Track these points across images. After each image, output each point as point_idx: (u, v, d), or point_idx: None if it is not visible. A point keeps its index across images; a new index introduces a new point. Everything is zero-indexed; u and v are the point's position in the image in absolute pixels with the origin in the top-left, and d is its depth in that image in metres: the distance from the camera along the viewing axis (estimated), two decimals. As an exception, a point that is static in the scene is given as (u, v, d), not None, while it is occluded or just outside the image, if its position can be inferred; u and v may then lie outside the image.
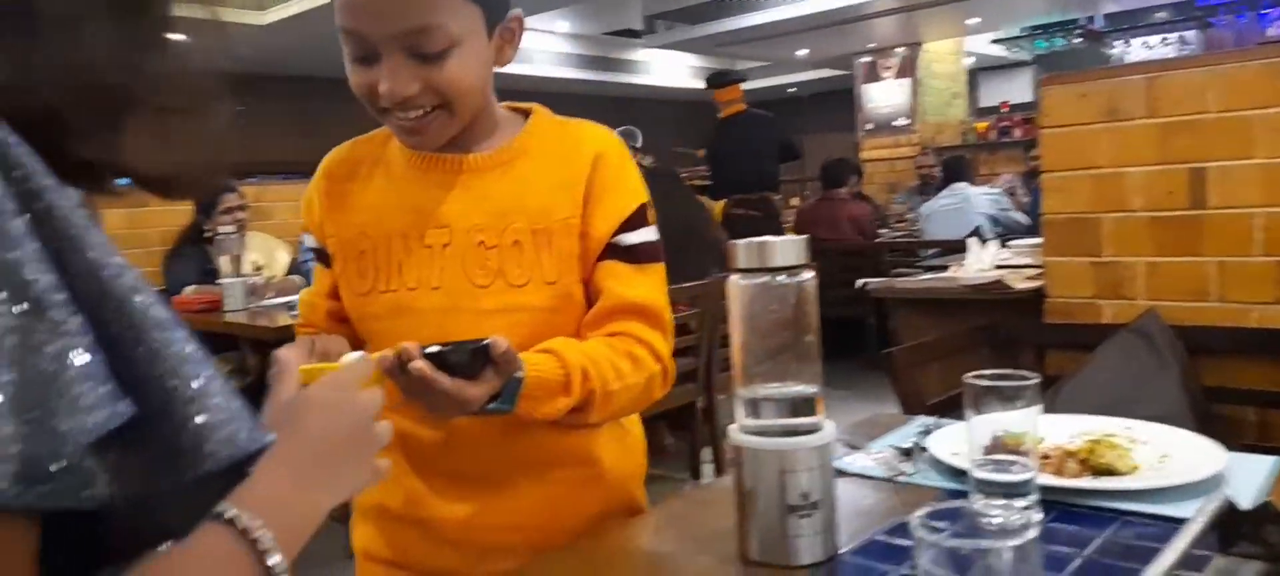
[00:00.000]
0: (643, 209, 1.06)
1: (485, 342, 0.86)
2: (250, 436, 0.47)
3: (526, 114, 1.08)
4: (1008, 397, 0.91)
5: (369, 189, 1.06)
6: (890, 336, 4.47)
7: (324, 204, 1.08)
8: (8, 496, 0.37)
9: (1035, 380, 0.92)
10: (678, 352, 3.60)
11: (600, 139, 1.06)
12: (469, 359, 0.86)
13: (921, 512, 0.56)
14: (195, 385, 0.44)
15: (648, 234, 1.06)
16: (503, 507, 1.03)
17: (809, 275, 0.86)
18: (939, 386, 2.01)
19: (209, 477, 0.45)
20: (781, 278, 0.84)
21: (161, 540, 0.48)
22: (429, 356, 0.84)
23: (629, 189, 1.06)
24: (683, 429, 3.82)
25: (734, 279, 0.86)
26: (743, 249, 0.85)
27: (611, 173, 1.04)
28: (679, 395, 3.49)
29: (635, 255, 1.04)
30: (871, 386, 3.61)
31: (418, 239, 1.02)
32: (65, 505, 0.40)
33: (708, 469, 3.72)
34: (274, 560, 0.50)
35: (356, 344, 1.06)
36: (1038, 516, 0.92)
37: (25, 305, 0.39)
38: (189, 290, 3.55)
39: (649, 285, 1.05)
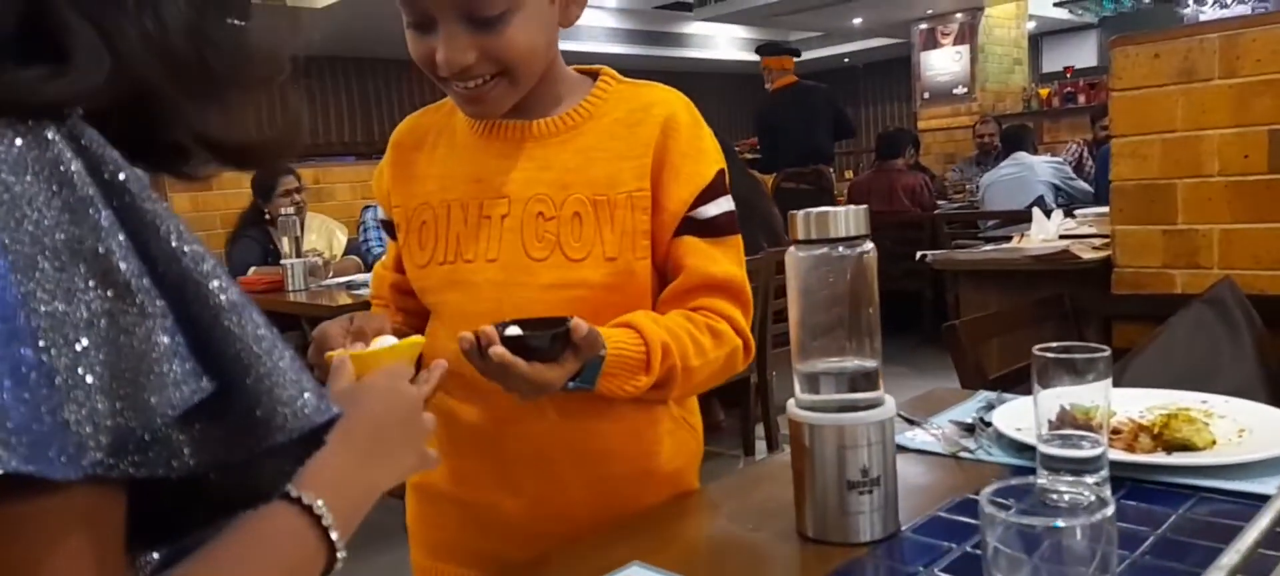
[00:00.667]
0: (720, 177, 1.00)
1: (566, 325, 0.84)
2: (319, 409, 0.49)
3: (594, 77, 1.04)
4: (1078, 371, 0.88)
5: (434, 159, 1.04)
6: (948, 310, 4.41)
7: (391, 174, 1.07)
8: (104, 465, 0.40)
9: (1106, 353, 0.89)
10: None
11: (670, 102, 1.00)
12: (549, 343, 0.84)
13: (990, 489, 0.54)
14: (268, 362, 0.47)
15: (725, 204, 1.00)
16: (553, 497, 1.00)
17: (869, 246, 0.84)
18: (1000, 361, 1.96)
19: (283, 448, 0.48)
20: (841, 249, 0.82)
21: (241, 508, 0.51)
22: (509, 340, 0.83)
23: (705, 156, 0.99)
24: (736, 404, 3.81)
25: (792, 251, 0.84)
26: (801, 220, 0.83)
27: (684, 139, 0.98)
28: (732, 371, 3.46)
29: (714, 229, 0.99)
30: (927, 361, 3.55)
31: (478, 210, 0.99)
32: (155, 474, 0.43)
33: (760, 444, 3.70)
34: (335, 536, 0.53)
35: (417, 319, 1.07)
36: (1108, 493, 0.90)
37: (115, 291, 0.42)
38: (252, 271, 3.64)
39: (728, 259, 1.00)
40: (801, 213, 0.84)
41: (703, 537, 0.93)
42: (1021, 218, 4.59)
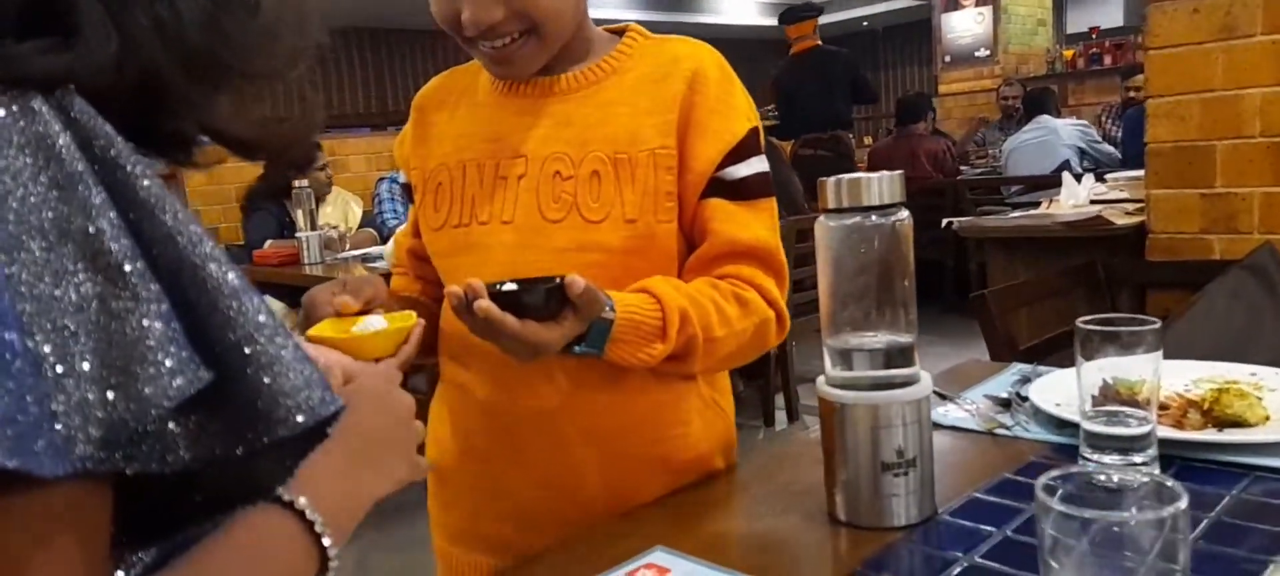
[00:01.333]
0: (752, 135, 0.94)
1: (559, 281, 0.79)
2: (323, 401, 0.47)
3: (622, 33, 0.99)
4: (1125, 344, 0.83)
5: (454, 119, 1.00)
6: (969, 279, 4.33)
7: (415, 136, 1.03)
8: (94, 460, 0.38)
9: (1156, 324, 0.84)
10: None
11: (698, 55, 0.95)
12: (543, 299, 0.78)
13: (1046, 478, 0.50)
14: (270, 351, 0.45)
15: (757, 165, 0.94)
16: (566, 479, 0.94)
17: (904, 214, 0.79)
18: (1029, 331, 1.90)
19: (285, 442, 0.45)
20: (874, 217, 0.78)
21: (238, 504, 0.49)
22: (500, 295, 0.78)
23: (735, 112, 0.93)
24: (755, 375, 3.77)
25: (822, 220, 0.80)
26: (832, 187, 0.78)
27: (712, 94, 0.92)
28: (752, 342, 3.42)
29: (744, 190, 0.93)
30: (951, 331, 3.49)
31: (494, 170, 0.94)
32: (149, 469, 0.41)
33: (780, 415, 3.67)
34: (328, 542, 0.50)
35: (436, 287, 1.02)
36: (1156, 473, 0.85)
37: (107, 274, 0.40)
38: (268, 244, 3.63)
39: (760, 223, 0.93)
40: (832, 180, 0.79)
41: (728, 521, 0.89)
42: (1046, 183, 4.49)
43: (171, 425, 0.42)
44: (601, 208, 0.90)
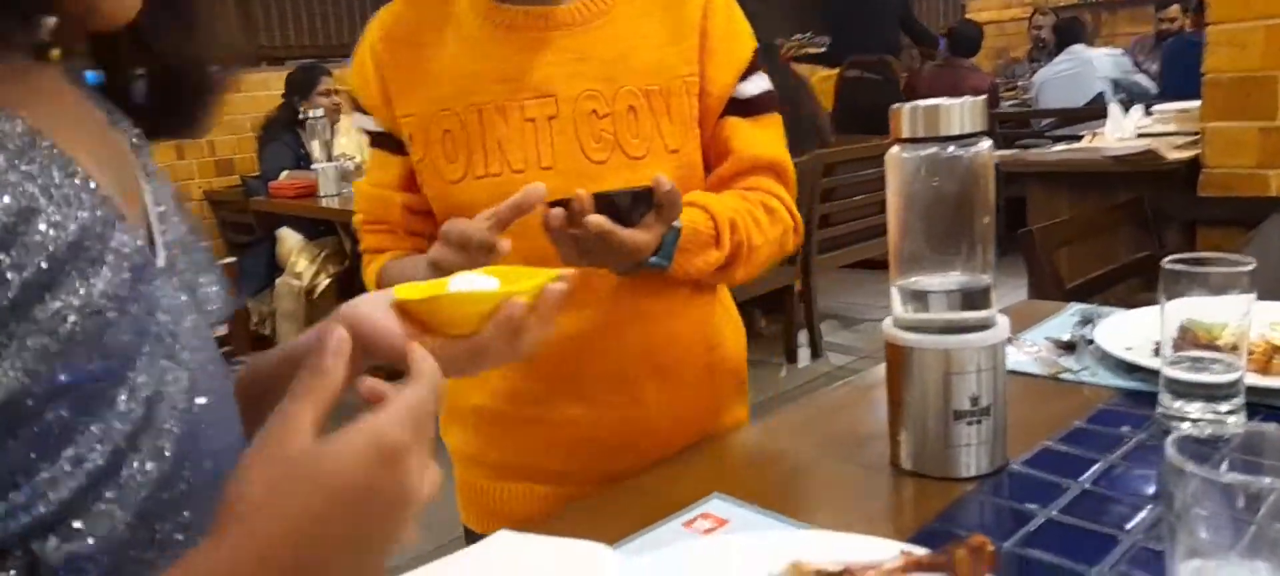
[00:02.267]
0: (757, 54, 0.98)
1: (648, 185, 0.79)
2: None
3: None
4: (1216, 285, 0.78)
5: (442, 53, 0.91)
6: (1001, 215, 4.23)
7: (390, 76, 0.92)
8: None
9: (1250, 264, 0.79)
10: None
11: None
12: (631, 203, 0.79)
13: (1176, 437, 0.45)
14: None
15: (763, 82, 0.98)
16: (622, 402, 0.94)
17: (985, 144, 0.72)
18: (1070, 268, 1.84)
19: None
20: (952, 148, 0.71)
21: None
22: (604, 198, 0.77)
23: (743, 33, 0.97)
24: (777, 311, 3.73)
25: (895, 151, 0.74)
26: (908, 114, 0.72)
27: (723, 17, 0.95)
28: (773, 278, 3.38)
29: (756, 107, 0.96)
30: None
31: (517, 111, 0.89)
32: None
33: (804, 352, 3.64)
34: None
35: (429, 244, 0.94)
36: (1240, 420, 0.80)
37: None
38: (284, 176, 3.58)
39: (771, 138, 0.98)
40: (907, 106, 0.72)
41: (785, 468, 0.85)
42: (1078, 117, 4.36)
43: None
44: (642, 143, 0.91)
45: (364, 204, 1.00)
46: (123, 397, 0.45)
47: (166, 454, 0.47)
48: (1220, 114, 1.92)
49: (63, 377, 0.42)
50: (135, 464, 0.45)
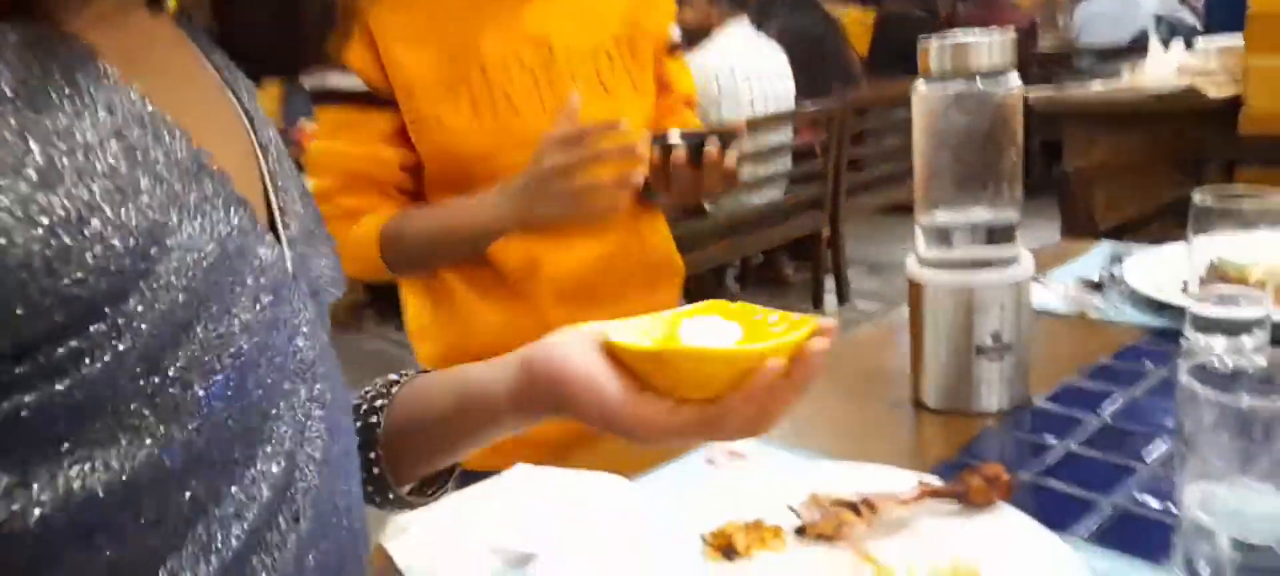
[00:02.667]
0: None
1: (731, 127, 0.95)
2: None
3: None
4: (1248, 219, 0.77)
5: (437, 8, 0.92)
6: (1032, 156, 4.14)
7: (379, 31, 0.90)
8: None
9: (1278, 201, 0.78)
10: (799, 180, 3.42)
11: None
12: (720, 143, 0.93)
13: (1191, 364, 0.45)
14: None
15: (676, 27, 1.10)
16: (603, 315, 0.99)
17: (1015, 80, 0.72)
18: (1105, 209, 1.81)
19: None
20: (981, 84, 0.71)
21: None
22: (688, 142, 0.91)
23: None
24: (804, 258, 3.71)
25: (920, 85, 0.73)
26: (935, 50, 0.71)
27: None
28: (800, 225, 3.36)
29: (680, 48, 1.10)
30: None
31: (517, 62, 0.94)
32: None
33: (830, 298, 3.62)
34: None
35: (409, 200, 0.95)
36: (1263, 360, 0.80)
37: None
38: (303, 122, 3.59)
39: (689, 75, 1.12)
40: (934, 41, 0.72)
41: (807, 406, 0.85)
42: (1120, 54, 4.23)
43: None
44: (620, 84, 1.00)
45: (360, 164, 0.94)
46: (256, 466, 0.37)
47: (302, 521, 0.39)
48: (1264, 49, 1.85)
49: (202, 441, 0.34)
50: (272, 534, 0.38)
